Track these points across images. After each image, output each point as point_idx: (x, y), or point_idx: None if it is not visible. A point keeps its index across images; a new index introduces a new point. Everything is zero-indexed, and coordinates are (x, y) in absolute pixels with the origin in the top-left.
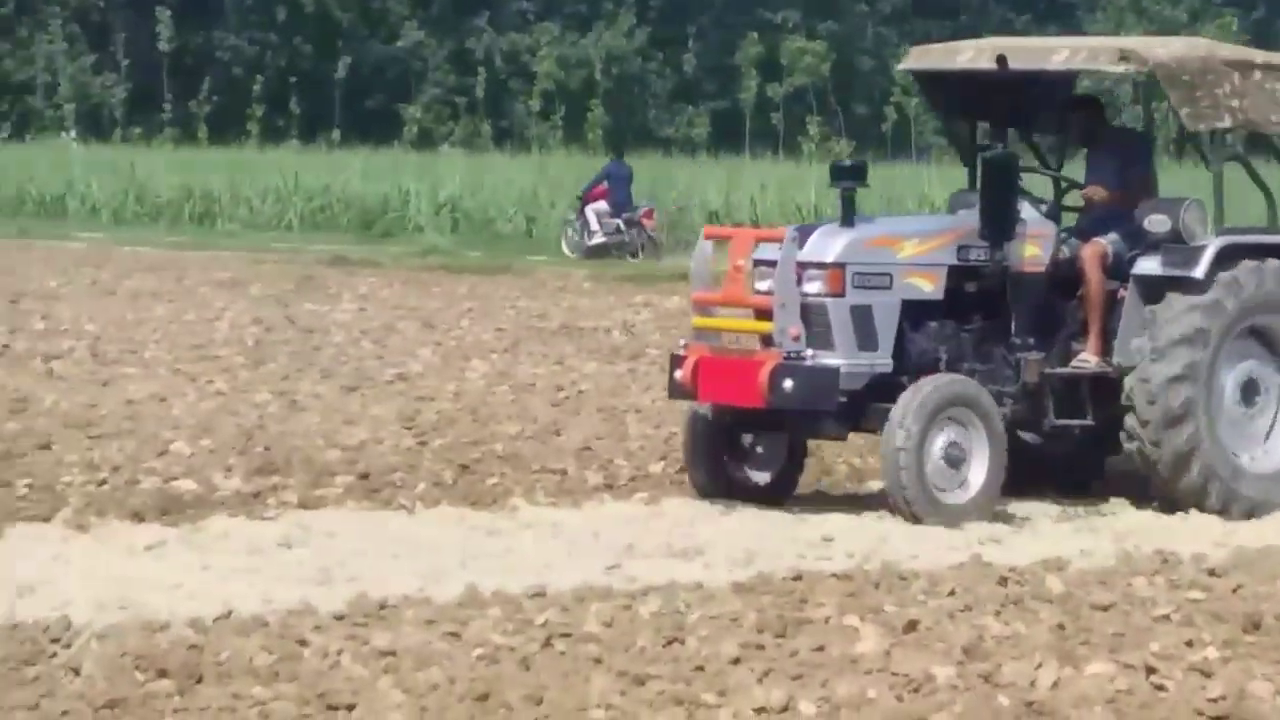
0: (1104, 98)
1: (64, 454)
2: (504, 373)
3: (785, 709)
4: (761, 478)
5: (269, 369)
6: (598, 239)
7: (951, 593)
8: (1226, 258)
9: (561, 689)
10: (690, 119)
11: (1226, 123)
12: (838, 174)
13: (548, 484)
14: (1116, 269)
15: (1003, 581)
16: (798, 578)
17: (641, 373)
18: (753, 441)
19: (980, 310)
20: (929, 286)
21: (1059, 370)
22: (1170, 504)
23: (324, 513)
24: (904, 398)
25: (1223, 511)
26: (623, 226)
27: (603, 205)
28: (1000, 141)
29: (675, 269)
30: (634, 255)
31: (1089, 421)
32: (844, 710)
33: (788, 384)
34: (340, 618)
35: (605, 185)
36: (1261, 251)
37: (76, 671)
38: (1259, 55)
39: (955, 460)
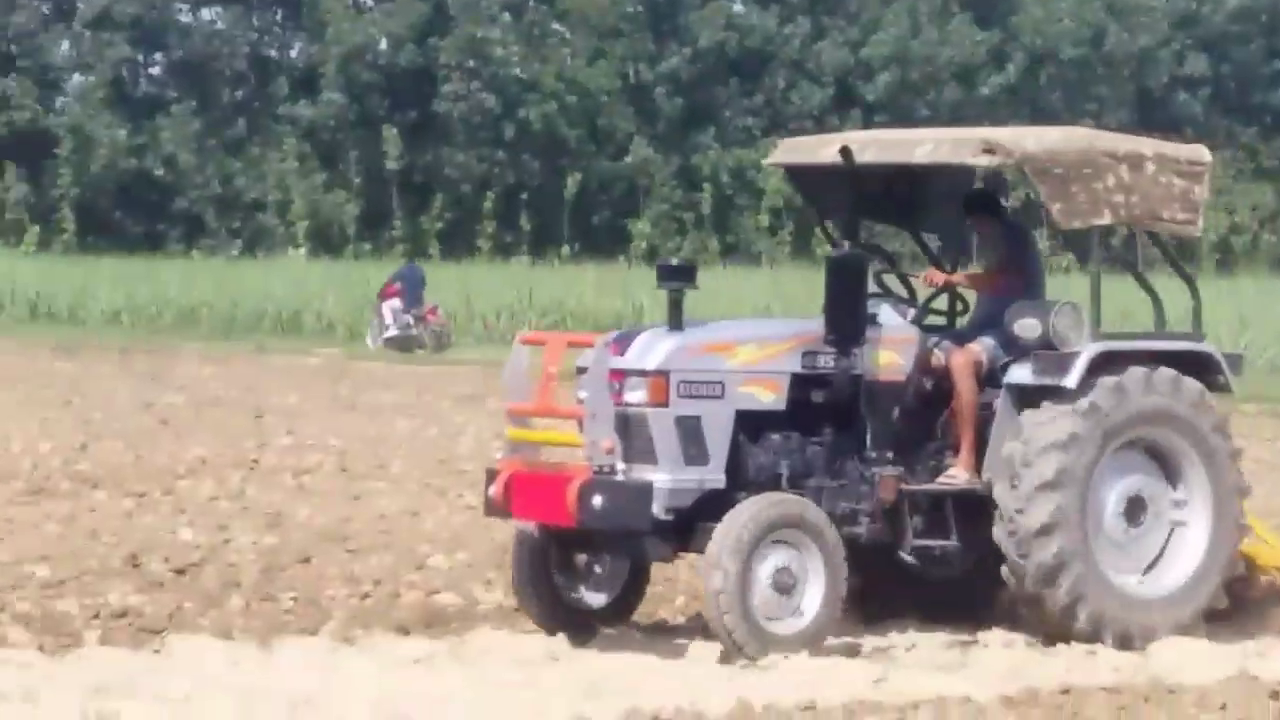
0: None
1: (324, 567)
2: None
3: None
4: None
5: None
6: (391, 332)
7: (1223, 707)
8: (1101, 365)
9: None
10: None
11: (1106, 219)
12: (665, 274)
13: None
14: (992, 377)
15: (1275, 695)
16: (1066, 691)
17: None
18: (589, 561)
19: (830, 422)
20: (769, 396)
21: (920, 487)
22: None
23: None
24: (725, 520)
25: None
26: (412, 322)
27: (396, 303)
28: (852, 238)
29: None
30: (420, 347)
31: (952, 543)
32: None
33: (597, 501)
34: None
35: (399, 285)
36: (1141, 359)
37: None
38: (1150, 146)
39: (785, 587)
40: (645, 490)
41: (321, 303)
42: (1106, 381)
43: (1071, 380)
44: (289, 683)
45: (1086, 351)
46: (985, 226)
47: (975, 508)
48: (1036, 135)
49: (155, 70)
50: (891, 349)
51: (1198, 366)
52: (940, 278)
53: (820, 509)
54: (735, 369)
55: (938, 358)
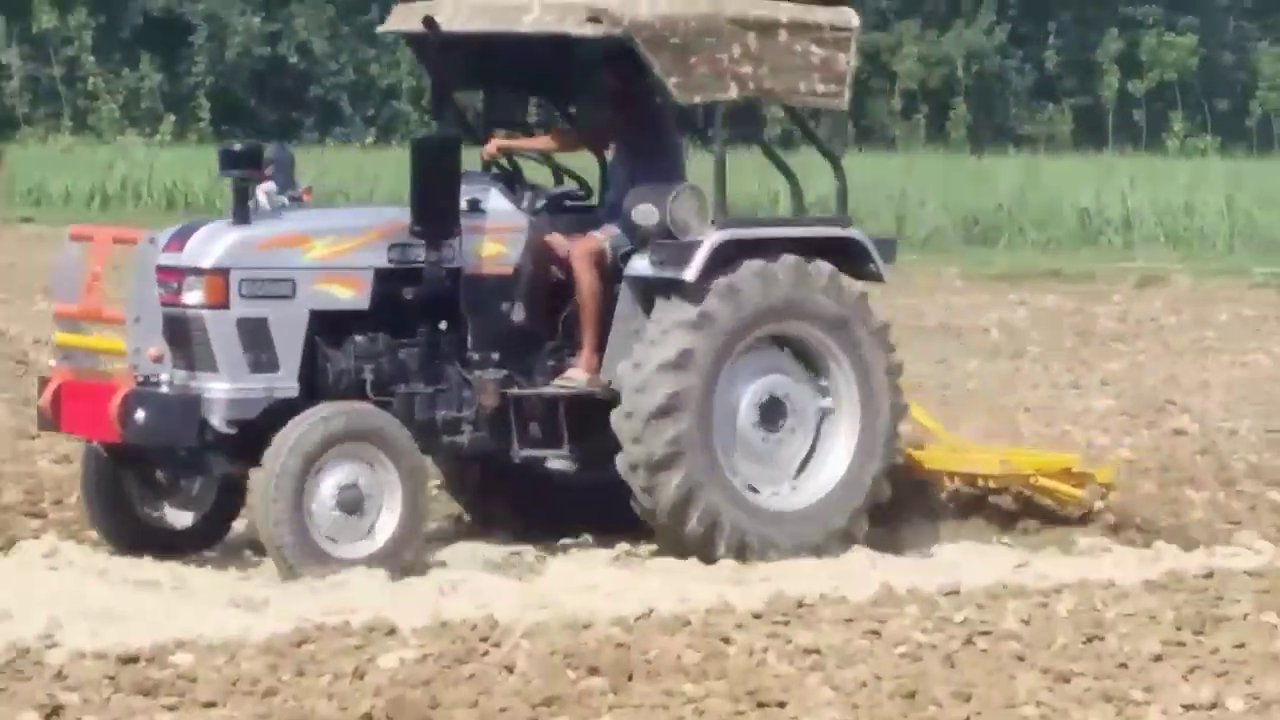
0: None
1: None
2: None
3: (1214, 705)
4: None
5: None
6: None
7: None
8: (727, 255)
9: (988, 686)
10: (1051, 116)
11: (732, 94)
12: (226, 160)
13: None
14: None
15: None
16: (1209, 575)
17: (1025, 371)
18: (170, 477)
19: (425, 322)
20: (349, 294)
21: (527, 391)
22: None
23: None
24: (279, 436)
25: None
26: (287, 203)
27: (270, 185)
28: (445, 115)
29: None
30: None
31: (563, 452)
32: (1275, 707)
33: (140, 415)
34: (758, 616)
35: (269, 169)
36: (775, 247)
37: (510, 669)
38: (785, 11)
39: (353, 505)
40: (192, 402)
41: None
42: (719, 284)
43: (691, 273)
44: (431, 568)
45: (709, 240)
46: (618, 94)
47: (597, 412)
48: (651, 0)
49: None
50: (496, 238)
51: (843, 254)
52: (494, 145)
53: (399, 419)
54: (308, 265)
55: (563, 246)
